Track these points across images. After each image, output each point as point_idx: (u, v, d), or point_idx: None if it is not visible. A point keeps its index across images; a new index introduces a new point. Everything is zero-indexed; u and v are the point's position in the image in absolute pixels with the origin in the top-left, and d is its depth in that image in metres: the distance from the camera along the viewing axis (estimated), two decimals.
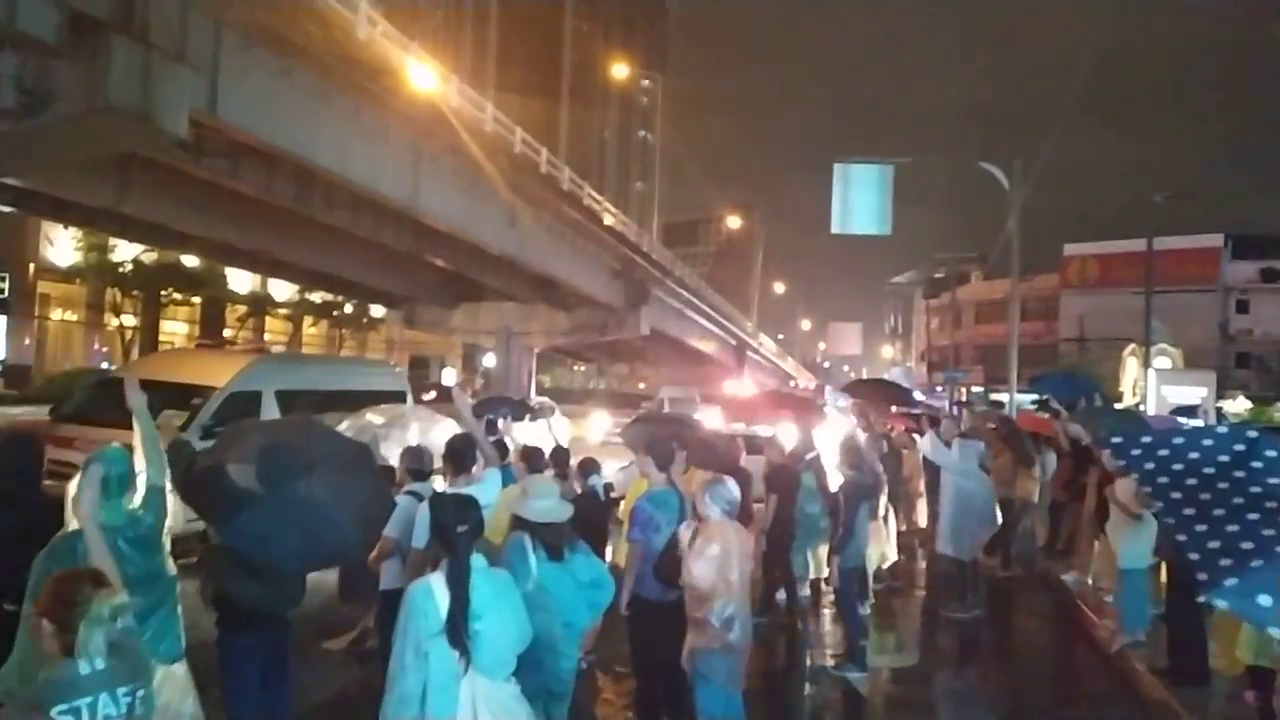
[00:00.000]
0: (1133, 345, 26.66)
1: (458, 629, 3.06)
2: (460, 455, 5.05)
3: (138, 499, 3.60)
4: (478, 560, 3.24)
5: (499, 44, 66.12)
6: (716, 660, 4.49)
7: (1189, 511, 3.42)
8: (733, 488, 4.67)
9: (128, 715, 2.34)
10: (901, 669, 7.39)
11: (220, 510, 3.85)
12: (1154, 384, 26.13)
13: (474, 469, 5.14)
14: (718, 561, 4.39)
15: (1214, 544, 3.19)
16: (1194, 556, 3.23)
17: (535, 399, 22.12)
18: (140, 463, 3.72)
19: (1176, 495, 3.53)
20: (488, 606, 3.15)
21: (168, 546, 3.78)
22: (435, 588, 3.13)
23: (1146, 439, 3.99)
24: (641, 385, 28.91)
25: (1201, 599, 3.16)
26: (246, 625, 4.11)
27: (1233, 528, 3.23)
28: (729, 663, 4.52)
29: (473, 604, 3.12)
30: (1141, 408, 24.49)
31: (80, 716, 2.26)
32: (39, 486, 3.98)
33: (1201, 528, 3.30)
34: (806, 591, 8.59)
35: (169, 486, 3.81)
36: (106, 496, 3.34)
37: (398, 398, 12.54)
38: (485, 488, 4.87)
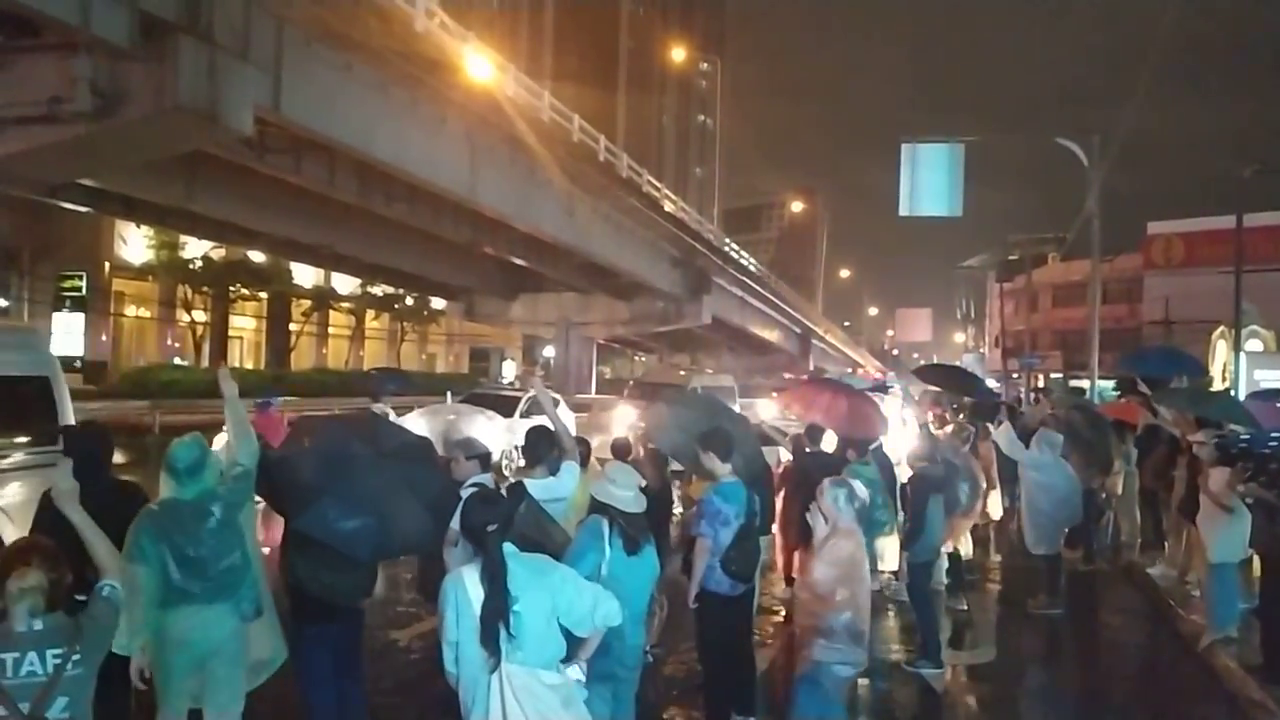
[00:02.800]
0: (1221, 328, 25.23)
1: (490, 629, 3.04)
2: (536, 447, 4.95)
3: (217, 478, 3.92)
4: (507, 546, 3.25)
5: (555, 31, 65.93)
6: (833, 669, 4.33)
7: None
8: (860, 488, 4.49)
9: (53, 675, 2.55)
10: (979, 665, 7.11)
11: (293, 499, 3.92)
12: (1245, 368, 24.74)
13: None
14: (844, 568, 4.23)
15: None
16: None
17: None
18: (227, 447, 4.23)
19: None
20: (523, 586, 3.13)
21: (255, 521, 4.16)
22: (467, 580, 3.13)
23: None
24: (682, 373, 28.14)
25: None
26: (319, 615, 4.16)
27: None
28: (843, 672, 4.39)
29: (510, 589, 3.12)
30: (1231, 393, 23.22)
31: (4, 668, 2.52)
32: (109, 476, 4.21)
33: None
34: (877, 585, 8.42)
35: (254, 469, 4.08)
36: (176, 480, 3.77)
37: (31, 387, 6.32)
38: (563, 480, 4.85)
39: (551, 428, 5.24)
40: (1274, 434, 5.90)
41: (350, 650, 4.40)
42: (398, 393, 7.70)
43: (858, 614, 4.27)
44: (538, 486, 4.60)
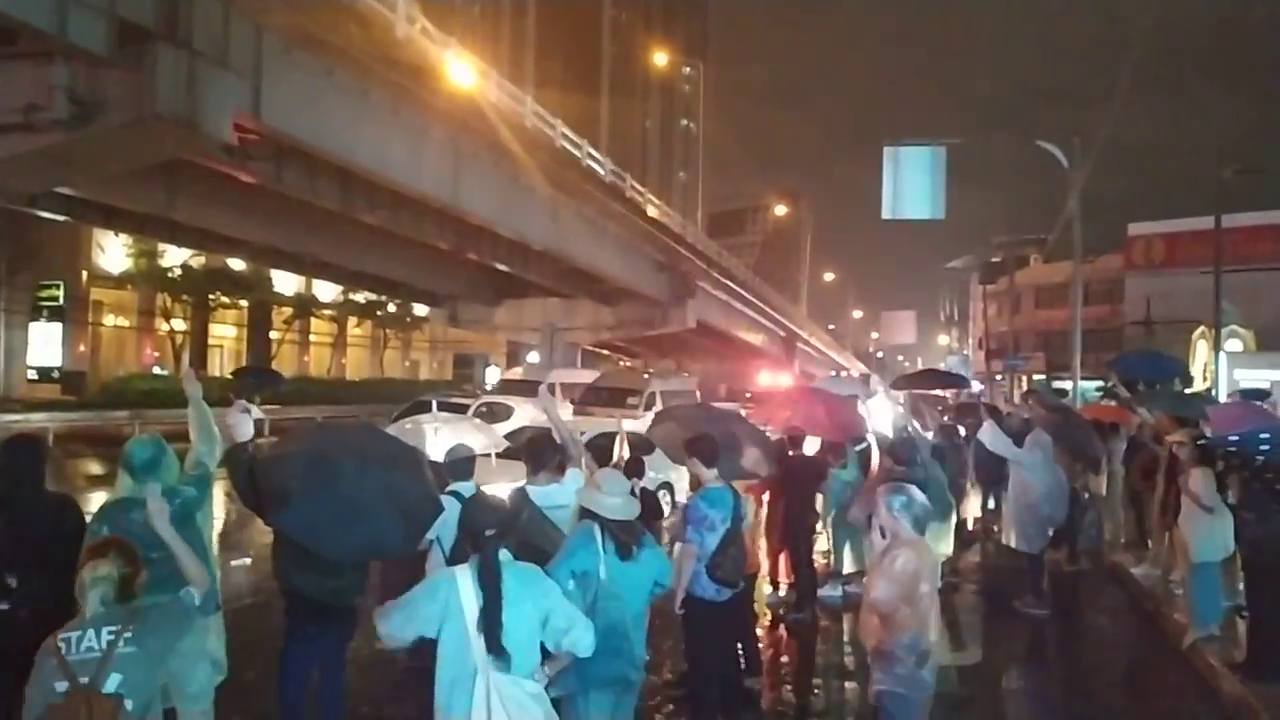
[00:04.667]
0: (1202, 328, 25.43)
1: (493, 630, 3.04)
2: (540, 454, 4.88)
3: (175, 476, 4.10)
4: (501, 554, 3.25)
5: (537, 37, 65.93)
6: (909, 702, 3.87)
7: None
8: (918, 494, 4.05)
9: (105, 651, 2.81)
10: (964, 667, 7.00)
11: (273, 500, 4.02)
12: (1225, 368, 24.95)
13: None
14: (907, 583, 3.80)
15: None
16: None
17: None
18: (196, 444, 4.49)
19: None
20: (512, 596, 3.13)
21: (211, 519, 4.52)
22: (460, 581, 3.12)
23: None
24: (646, 376, 27.76)
25: None
26: (313, 616, 4.34)
27: None
28: (921, 702, 3.93)
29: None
30: (1213, 392, 23.43)
31: (70, 644, 2.82)
32: (40, 488, 4.08)
33: None
34: (857, 588, 8.46)
35: (215, 470, 4.42)
36: (132, 477, 3.92)
37: None
38: (566, 487, 4.79)
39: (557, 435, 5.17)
40: (1233, 436, 5.96)
41: (338, 651, 4.54)
42: (256, 392, 7.74)
43: (921, 633, 3.85)
44: (540, 493, 4.61)
